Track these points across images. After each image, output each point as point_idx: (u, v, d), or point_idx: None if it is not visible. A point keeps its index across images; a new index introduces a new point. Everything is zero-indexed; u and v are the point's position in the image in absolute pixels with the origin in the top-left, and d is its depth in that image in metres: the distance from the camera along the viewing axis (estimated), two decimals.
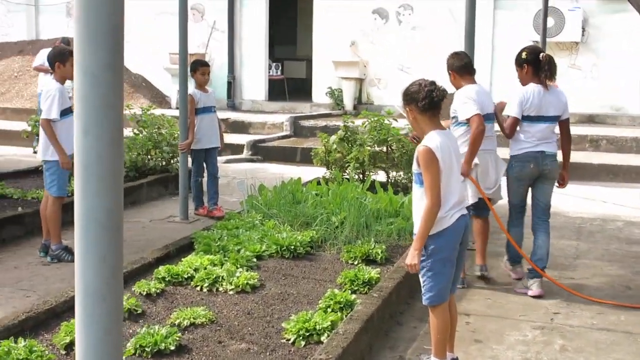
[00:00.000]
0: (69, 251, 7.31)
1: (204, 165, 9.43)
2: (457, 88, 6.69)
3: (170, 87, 18.49)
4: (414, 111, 4.64)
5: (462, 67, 6.67)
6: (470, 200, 6.44)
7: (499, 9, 16.97)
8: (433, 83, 4.66)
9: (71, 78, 6.36)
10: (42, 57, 14.82)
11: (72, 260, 6.96)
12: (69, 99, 7.45)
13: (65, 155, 7.13)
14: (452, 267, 4.67)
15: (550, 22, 15.36)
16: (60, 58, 7.41)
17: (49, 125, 7.19)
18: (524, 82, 6.66)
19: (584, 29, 16.39)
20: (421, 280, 4.68)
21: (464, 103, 6.42)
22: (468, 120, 6.39)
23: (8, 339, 4.61)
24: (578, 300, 6.37)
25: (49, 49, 14.62)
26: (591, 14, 16.42)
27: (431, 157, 4.48)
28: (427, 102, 4.57)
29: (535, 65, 6.57)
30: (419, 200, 4.62)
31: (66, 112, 7.26)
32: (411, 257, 4.52)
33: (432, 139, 4.53)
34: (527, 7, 16.33)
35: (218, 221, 8.09)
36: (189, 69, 9.25)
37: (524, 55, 6.65)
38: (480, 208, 6.69)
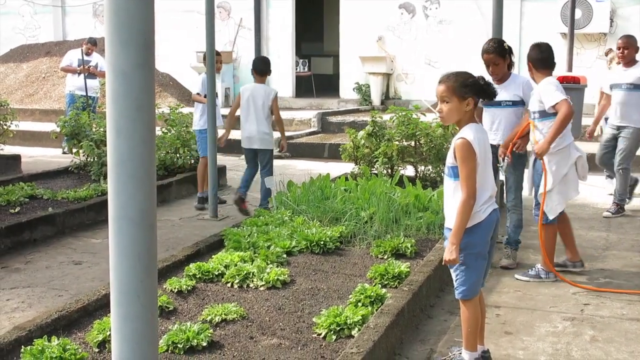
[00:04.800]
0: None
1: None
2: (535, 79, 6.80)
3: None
4: (471, 103, 4.59)
5: (542, 60, 6.74)
6: (573, 194, 6.72)
7: (526, 1, 16.85)
8: (489, 81, 4.66)
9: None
10: (69, 58, 14.93)
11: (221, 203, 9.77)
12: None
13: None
14: (484, 260, 4.67)
15: (578, 13, 15.26)
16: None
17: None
18: None
19: (612, 20, 16.24)
20: (453, 274, 4.67)
21: (549, 91, 6.48)
22: (554, 107, 6.41)
23: (42, 337, 4.65)
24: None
25: (77, 50, 14.86)
26: (619, 4, 16.26)
27: (469, 150, 4.46)
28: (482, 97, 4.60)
29: None
30: (451, 193, 4.60)
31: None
32: (449, 252, 4.48)
33: (469, 132, 4.51)
34: None
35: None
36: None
37: None
38: None
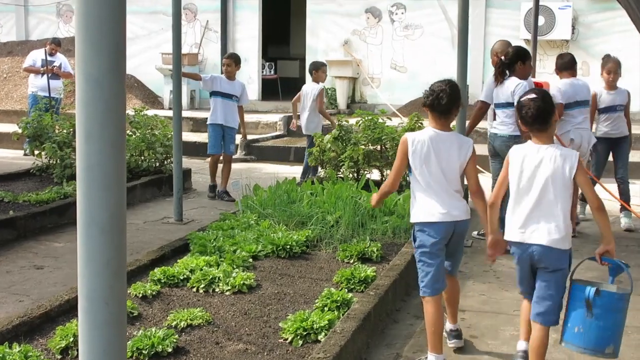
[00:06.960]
0: (228, 194, 10.32)
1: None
2: None
3: (162, 88, 18.46)
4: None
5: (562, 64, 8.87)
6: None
7: (491, 7, 17.01)
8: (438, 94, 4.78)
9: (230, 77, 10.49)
10: (32, 58, 14.76)
11: (229, 201, 10.04)
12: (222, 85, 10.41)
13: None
14: (438, 259, 4.86)
15: (541, 20, 15.39)
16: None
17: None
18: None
19: (574, 27, 16.45)
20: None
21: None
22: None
23: (2, 344, 4.57)
24: None
25: (40, 50, 14.70)
26: (581, 12, 16.48)
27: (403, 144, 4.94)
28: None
29: None
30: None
31: (216, 94, 10.36)
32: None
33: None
34: (519, 6, 16.40)
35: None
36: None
37: None
38: None
